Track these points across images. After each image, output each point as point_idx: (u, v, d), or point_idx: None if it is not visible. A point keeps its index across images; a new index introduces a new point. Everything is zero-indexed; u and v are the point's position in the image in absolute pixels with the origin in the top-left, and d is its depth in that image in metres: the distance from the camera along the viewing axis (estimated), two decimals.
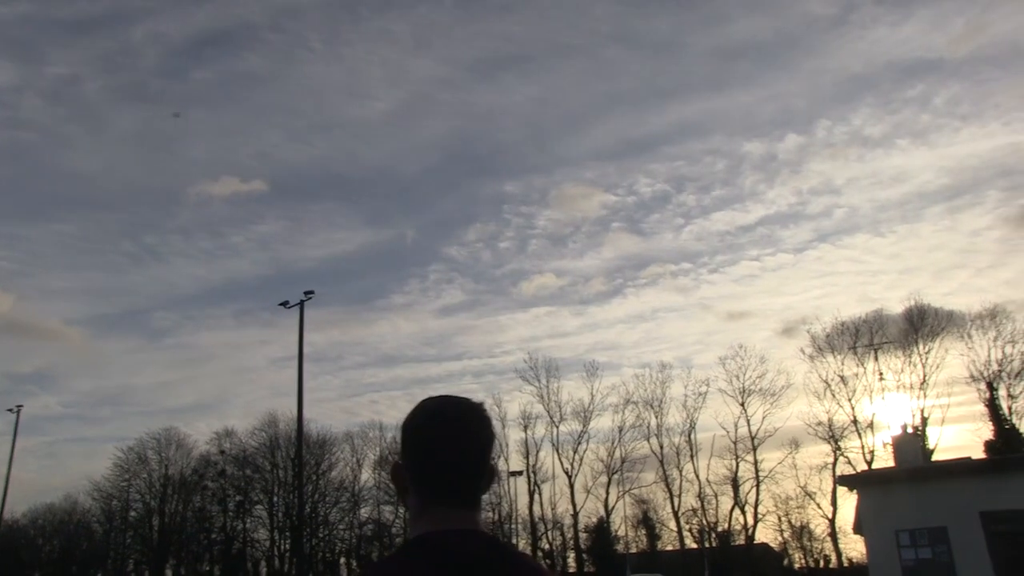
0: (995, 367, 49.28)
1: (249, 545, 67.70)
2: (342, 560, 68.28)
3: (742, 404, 58.12)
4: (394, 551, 1.44)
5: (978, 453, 38.45)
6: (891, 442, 31.41)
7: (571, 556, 62.12)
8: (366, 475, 66.32)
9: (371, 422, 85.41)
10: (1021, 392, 48.91)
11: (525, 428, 62.26)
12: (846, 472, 47.77)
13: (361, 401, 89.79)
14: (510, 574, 1.38)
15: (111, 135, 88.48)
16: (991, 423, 46.68)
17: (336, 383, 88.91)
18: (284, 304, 53.63)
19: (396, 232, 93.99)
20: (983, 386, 48.98)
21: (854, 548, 54.64)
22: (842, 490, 51.87)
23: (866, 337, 53.09)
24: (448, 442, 1.53)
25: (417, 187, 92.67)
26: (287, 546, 64.87)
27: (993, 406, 47.59)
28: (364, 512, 65.99)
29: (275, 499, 66.23)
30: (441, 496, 1.49)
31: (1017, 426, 47.38)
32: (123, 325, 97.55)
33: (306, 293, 53.32)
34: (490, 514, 63.11)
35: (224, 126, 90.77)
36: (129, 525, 70.08)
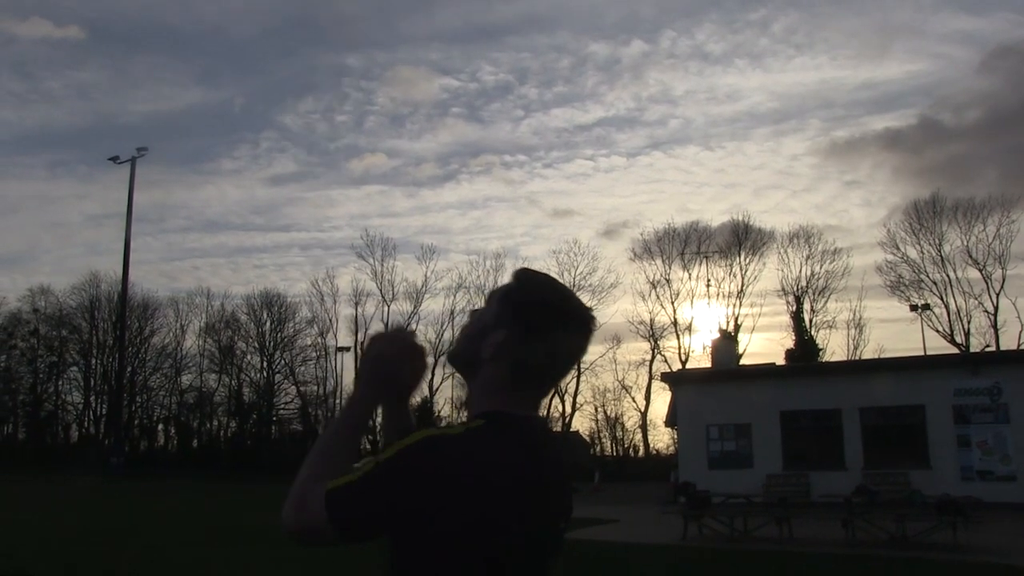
0: (803, 283, 53.83)
1: (60, 408, 65.02)
2: (160, 427, 67.08)
3: None
4: (473, 424, 1.36)
5: (780, 360, 42.08)
6: (710, 345, 34.01)
7: None
8: (190, 342, 64.62)
9: (197, 288, 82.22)
10: (822, 307, 53.93)
11: (356, 305, 62.38)
12: (662, 369, 51.26)
13: (183, 266, 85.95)
14: (557, 460, 1.46)
15: None
16: (793, 333, 51.18)
17: (157, 246, 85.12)
18: (114, 159, 50.76)
19: (229, 94, 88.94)
20: (791, 299, 53.50)
21: (660, 440, 59.19)
22: (656, 385, 55.84)
23: (694, 244, 56.19)
24: (574, 360, 1.46)
25: (254, 49, 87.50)
26: (103, 410, 62.76)
27: (797, 318, 52.10)
28: (186, 379, 64.55)
29: (93, 362, 63.57)
30: (535, 395, 1.45)
31: (815, 337, 52.22)
32: None
33: (139, 149, 50.82)
34: (316, 388, 63.47)
35: None
36: None
